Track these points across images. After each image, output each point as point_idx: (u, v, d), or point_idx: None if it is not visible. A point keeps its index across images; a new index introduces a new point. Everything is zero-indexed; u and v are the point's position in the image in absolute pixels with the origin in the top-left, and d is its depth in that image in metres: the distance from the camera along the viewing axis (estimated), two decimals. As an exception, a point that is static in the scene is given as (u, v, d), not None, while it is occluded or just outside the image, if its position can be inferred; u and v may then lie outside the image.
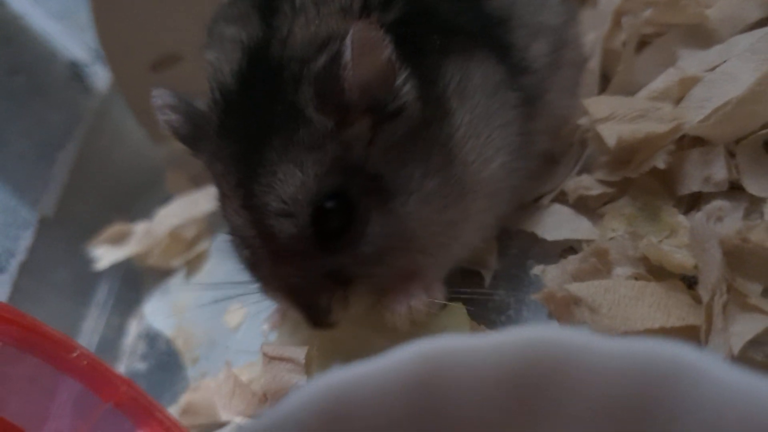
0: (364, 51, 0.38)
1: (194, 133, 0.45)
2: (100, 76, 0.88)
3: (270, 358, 0.51)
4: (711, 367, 0.25)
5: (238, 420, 0.54)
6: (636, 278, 0.43)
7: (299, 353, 0.49)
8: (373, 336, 0.47)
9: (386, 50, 0.40)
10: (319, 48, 0.41)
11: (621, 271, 0.44)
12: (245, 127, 0.42)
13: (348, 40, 0.38)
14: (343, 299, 0.43)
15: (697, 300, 0.40)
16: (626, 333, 0.40)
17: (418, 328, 0.45)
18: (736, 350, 0.36)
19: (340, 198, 0.41)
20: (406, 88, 0.41)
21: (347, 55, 0.38)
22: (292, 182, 0.40)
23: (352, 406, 0.27)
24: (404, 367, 0.27)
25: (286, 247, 0.41)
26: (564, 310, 0.44)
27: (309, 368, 0.49)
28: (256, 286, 0.46)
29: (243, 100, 0.43)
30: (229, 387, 0.55)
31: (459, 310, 0.47)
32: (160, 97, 0.46)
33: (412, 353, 0.27)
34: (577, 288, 0.43)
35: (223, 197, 0.46)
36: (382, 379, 0.27)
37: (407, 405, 0.27)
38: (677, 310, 0.40)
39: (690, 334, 0.39)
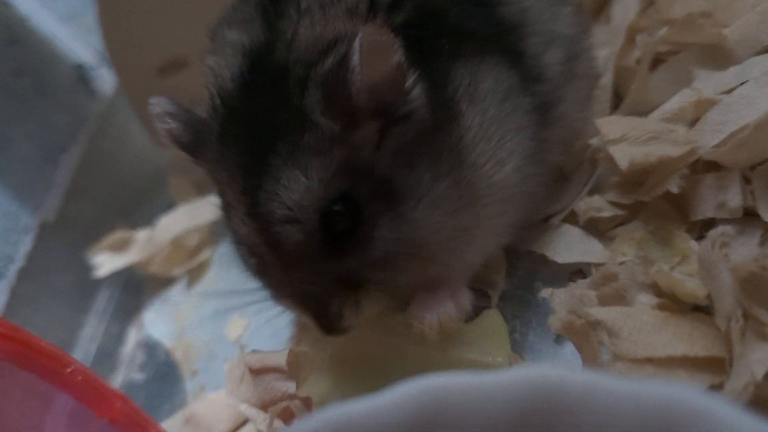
0: (374, 54, 0.37)
1: (195, 140, 0.44)
2: (106, 80, 0.88)
3: (255, 372, 0.50)
4: (722, 412, 0.24)
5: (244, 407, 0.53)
6: (658, 308, 0.42)
7: (281, 358, 0.48)
8: (396, 342, 0.46)
9: (396, 54, 0.39)
10: (325, 50, 0.40)
11: (638, 298, 0.43)
12: (248, 133, 0.41)
13: (357, 43, 0.37)
14: (355, 304, 0.42)
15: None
16: (648, 359, 0.39)
17: (452, 338, 0.44)
18: (758, 377, 0.35)
19: (347, 200, 0.40)
20: (415, 91, 0.41)
21: (356, 58, 0.37)
22: (296, 188, 0.39)
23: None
24: (408, 403, 0.27)
25: (294, 254, 0.41)
26: (582, 332, 0.43)
27: (295, 370, 0.48)
28: (264, 294, 0.45)
29: (245, 105, 0.42)
30: (240, 372, 0.55)
31: (495, 315, 0.46)
32: (158, 105, 0.45)
33: (416, 389, 0.27)
34: (597, 312, 0.42)
35: (227, 206, 0.45)
36: (385, 415, 0.27)
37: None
38: (701, 340, 0.39)
39: (715, 364, 0.38)
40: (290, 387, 0.49)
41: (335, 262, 0.41)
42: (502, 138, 0.44)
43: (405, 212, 0.41)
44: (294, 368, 0.48)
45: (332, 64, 0.38)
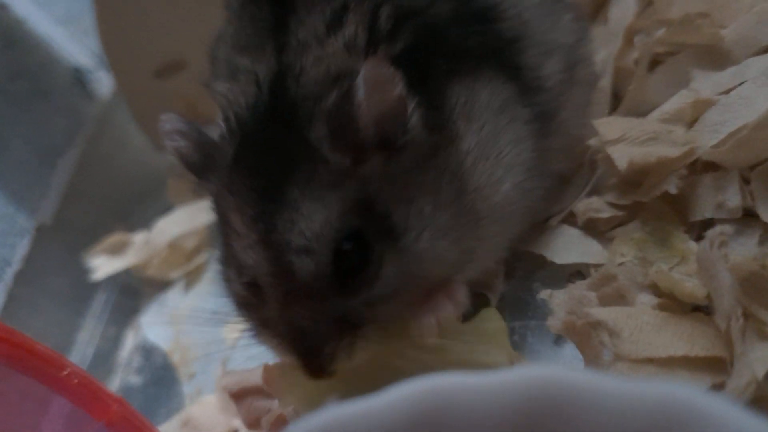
0: (377, 89, 0.38)
1: (204, 162, 0.44)
2: (103, 83, 0.88)
3: (236, 396, 0.50)
4: (723, 411, 0.24)
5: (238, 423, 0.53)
6: (658, 308, 0.41)
7: (258, 376, 0.48)
8: (395, 344, 0.45)
9: (398, 86, 0.39)
10: (330, 86, 0.40)
11: (638, 299, 0.42)
12: (263, 163, 0.41)
13: (360, 79, 0.37)
14: (349, 346, 0.41)
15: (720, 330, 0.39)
16: (648, 359, 0.39)
17: (451, 339, 0.44)
18: (760, 375, 0.35)
19: (358, 239, 0.40)
20: (413, 119, 0.41)
21: (360, 93, 0.37)
22: (316, 219, 0.39)
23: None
24: (407, 404, 0.27)
25: (300, 286, 0.40)
26: (583, 333, 0.42)
27: (273, 387, 0.47)
28: (248, 328, 0.45)
29: (260, 134, 0.42)
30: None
31: (493, 314, 0.46)
32: (168, 121, 0.44)
33: (412, 390, 0.27)
34: (598, 312, 0.42)
35: (230, 232, 0.43)
36: (382, 415, 0.27)
37: (408, 442, 0.26)
38: (702, 340, 0.39)
39: (716, 364, 0.38)
40: (273, 404, 0.48)
41: (339, 299, 0.40)
42: (499, 154, 0.44)
43: (408, 246, 0.41)
44: (272, 385, 0.47)
45: (336, 100, 0.39)
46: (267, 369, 0.47)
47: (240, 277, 0.43)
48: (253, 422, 0.50)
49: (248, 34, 0.46)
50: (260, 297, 0.42)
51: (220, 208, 0.44)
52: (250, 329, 0.45)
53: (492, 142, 0.44)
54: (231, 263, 0.44)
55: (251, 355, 0.47)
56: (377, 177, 0.40)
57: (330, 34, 0.43)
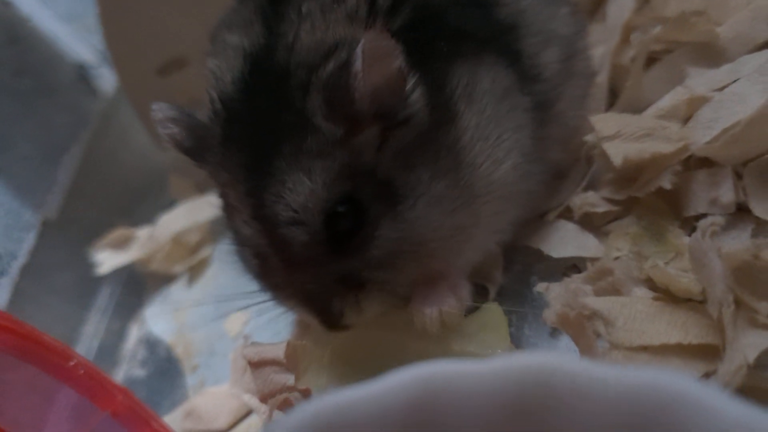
0: (375, 60, 0.38)
1: (197, 144, 0.45)
2: (107, 79, 0.88)
3: (255, 365, 0.51)
4: (712, 399, 0.24)
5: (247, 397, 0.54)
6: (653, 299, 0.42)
7: (280, 350, 0.49)
8: (396, 336, 0.47)
9: (397, 59, 0.39)
10: (326, 55, 0.40)
11: (633, 293, 0.43)
12: (251, 136, 0.42)
13: (359, 49, 0.37)
14: (356, 303, 0.43)
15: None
16: (642, 348, 0.40)
17: (453, 331, 0.45)
18: (751, 360, 0.35)
19: (351, 203, 0.41)
20: (414, 95, 0.41)
21: (358, 64, 0.38)
22: (301, 191, 0.40)
23: (348, 430, 0.27)
24: (401, 391, 0.27)
25: (298, 255, 0.41)
26: (577, 324, 0.43)
27: (293, 362, 0.49)
28: (267, 295, 0.46)
29: (246, 108, 0.42)
30: (244, 362, 0.55)
31: (495, 309, 0.46)
32: (160, 110, 0.45)
33: (408, 377, 0.27)
34: (592, 301, 0.43)
35: (229, 208, 0.45)
36: (378, 402, 0.27)
37: (404, 429, 0.27)
38: (695, 328, 0.39)
39: (709, 352, 0.39)
40: (289, 379, 0.49)
41: (338, 262, 0.42)
42: (499, 137, 0.44)
43: (404, 211, 0.41)
44: (292, 360, 0.48)
45: (334, 69, 0.39)
46: (290, 345, 0.49)
47: (246, 249, 0.45)
48: (264, 394, 0.51)
49: (242, 15, 0.47)
50: (267, 265, 0.44)
51: (218, 184, 0.46)
52: (269, 295, 0.46)
53: (493, 125, 0.44)
54: (237, 236, 0.46)
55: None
56: (373, 146, 0.41)
57: (334, 5, 0.43)
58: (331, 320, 0.43)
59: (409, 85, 0.41)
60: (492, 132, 0.44)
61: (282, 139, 0.40)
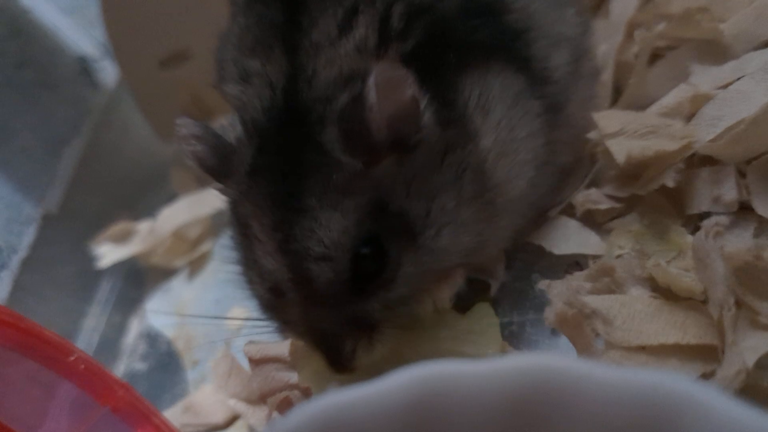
0: (389, 91, 0.38)
1: (221, 164, 0.44)
2: (109, 72, 0.88)
3: (256, 363, 0.50)
4: (715, 401, 0.24)
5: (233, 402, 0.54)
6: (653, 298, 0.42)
7: (283, 349, 0.49)
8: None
9: (410, 87, 0.39)
10: (341, 88, 0.40)
11: (634, 291, 0.43)
12: (280, 169, 0.41)
13: (371, 82, 0.37)
14: (368, 345, 0.42)
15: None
16: (640, 347, 0.40)
17: (445, 330, 0.45)
18: (750, 364, 0.35)
19: (375, 243, 0.40)
20: (426, 117, 0.41)
21: (372, 96, 0.37)
22: (334, 227, 0.40)
23: (348, 429, 0.27)
24: (401, 391, 0.27)
25: (319, 292, 0.41)
26: (575, 323, 0.43)
27: (297, 360, 0.49)
28: (274, 327, 0.46)
29: (276, 139, 0.42)
30: (226, 367, 0.56)
31: (486, 308, 0.46)
32: (185, 126, 0.44)
33: (409, 377, 0.27)
34: (592, 300, 0.42)
35: (251, 238, 0.43)
36: (378, 402, 0.27)
37: (404, 428, 0.27)
38: (694, 328, 0.39)
39: (707, 352, 0.38)
40: (291, 377, 0.49)
41: (357, 302, 0.41)
42: (516, 149, 0.45)
43: (426, 243, 0.41)
44: (296, 358, 0.48)
45: (347, 102, 0.39)
46: (294, 343, 0.49)
47: (262, 282, 0.44)
48: (264, 392, 0.51)
49: (255, 35, 0.46)
50: (282, 300, 0.43)
51: (238, 212, 0.45)
52: (276, 328, 0.46)
53: (510, 138, 0.44)
54: (253, 267, 0.44)
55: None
56: (390, 177, 0.41)
57: (342, 36, 0.42)
58: (341, 362, 0.42)
59: (421, 108, 0.41)
60: (510, 146, 0.44)
61: (309, 174, 0.40)
